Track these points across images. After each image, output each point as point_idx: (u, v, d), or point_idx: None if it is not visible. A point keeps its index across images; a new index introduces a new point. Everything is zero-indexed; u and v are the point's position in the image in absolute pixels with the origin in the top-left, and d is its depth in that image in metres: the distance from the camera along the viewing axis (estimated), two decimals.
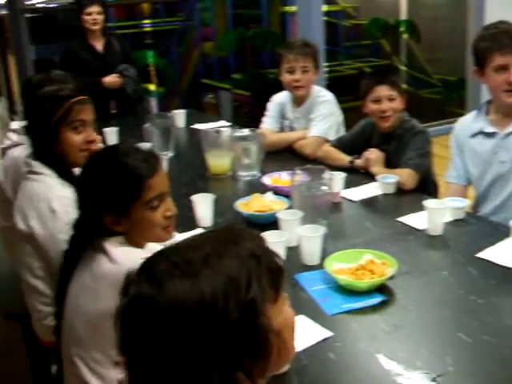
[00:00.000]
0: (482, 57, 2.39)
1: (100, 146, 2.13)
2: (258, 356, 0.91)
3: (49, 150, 2.00)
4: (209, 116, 5.70)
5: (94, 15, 4.40)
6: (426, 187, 2.82)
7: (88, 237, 1.63)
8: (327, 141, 3.20)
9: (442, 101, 7.69)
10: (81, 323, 1.57)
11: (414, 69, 8.24)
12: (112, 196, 1.58)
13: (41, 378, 2.57)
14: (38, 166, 2.01)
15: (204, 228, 2.39)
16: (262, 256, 0.97)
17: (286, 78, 3.28)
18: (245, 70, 8.14)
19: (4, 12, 8.29)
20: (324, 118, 3.27)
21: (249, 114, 7.63)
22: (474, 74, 2.49)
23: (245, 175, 2.98)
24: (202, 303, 0.88)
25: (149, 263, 0.96)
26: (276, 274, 0.97)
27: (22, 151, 2.44)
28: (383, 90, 2.84)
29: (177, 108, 4.31)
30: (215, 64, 8.43)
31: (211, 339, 0.88)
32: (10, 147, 2.55)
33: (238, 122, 7.59)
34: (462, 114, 6.46)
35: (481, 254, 2.06)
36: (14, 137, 2.55)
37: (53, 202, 1.88)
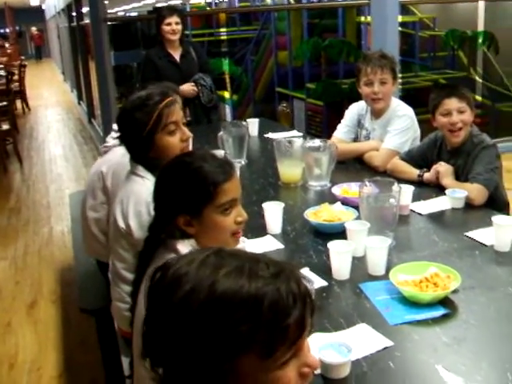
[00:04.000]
0: None
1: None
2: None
3: (146, 158, 2.12)
4: (281, 125, 5.77)
5: (173, 25, 4.57)
6: (495, 203, 2.82)
7: (161, 237, 1.73)
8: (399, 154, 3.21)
9: None
10: None
11: (491, 81, 8.10)
12: (186, 197, 1.68)
13: (112, 369, 2.71)
14: (141, 169, 2.13)
15: (273, 235, 2.47)
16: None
17: (365, 90, 3.32)
18: (319, 79, 8.18)
19: (87, 21, 8.66)
20: (401, 132, 3.29)
21: (322, 124, 7.68)
22: None
23: (315, 185, 3.04)
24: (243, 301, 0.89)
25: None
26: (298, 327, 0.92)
27: None
28: (453, 103, 2.85)
29: (250, 116, 4.42)
30: (290, 73, 8.50)
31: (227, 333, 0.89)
32: (115, 146, 2.73)
33: (310, 132, 7.69)
34: None
35: None
36: None
37: (152, 207, 1.99)
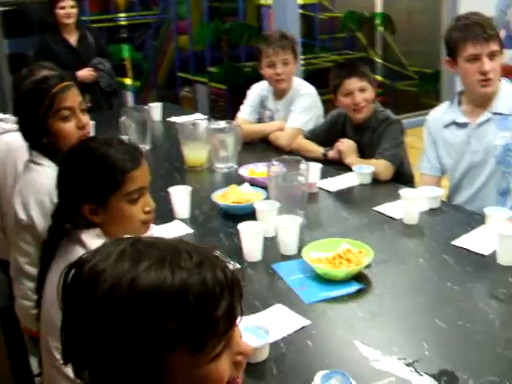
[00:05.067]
0: (454, 47, 2.41)
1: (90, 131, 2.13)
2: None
3: (42, 143, 1.99)
4: (184, 109, 5.69)
5: (67, 9, 4.40)
6: (401, 177, 2.85)
7: (65, 227, 1.63)
8: (304, 133, 3.21)
9: (417, 93, 7.73)
10: (57, 314, 1.55)
11: (389, 61, 8.27)
12: (92, 185, 1.58)
13: (19, 369, 2.57)
14: (38, 156, 2.00)
15: (181, 220, 2.39)
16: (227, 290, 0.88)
17: (267, 72, 3.28)
18: (221, 63, 8.11)
19: None
20: (304, 111, 3.27)
21: (225, 108, 7.61)
22: (446, 64, 2.51)
23: (222, 167, 2.98)
24: (163, 293, 0.82)
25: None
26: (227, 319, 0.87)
27: (15, 137, 2.45)
28: (353, 83, 2.84)
29: (153, 102, 4.29)
30: (191, 57, 8.38)
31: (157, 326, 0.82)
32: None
33: (214, 116, 7.60)
34: (436, 106, 6.53)
35: (456, 242, 2.09)
36: (4, 125, 2.58)
37: (54, 195, 1.87)
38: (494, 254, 1.97)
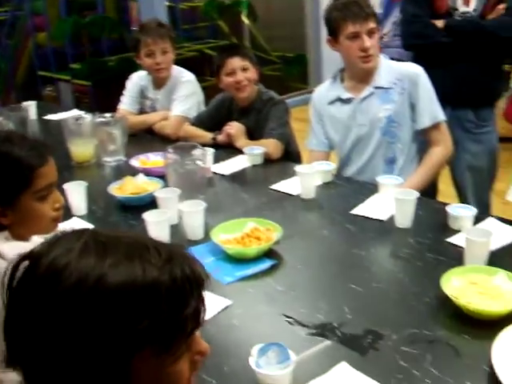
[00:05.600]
0: (335, 26, 2.50)
1: None
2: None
3: None
4: (60, 106, 5.50)
5: None
6: (289, 156, 2.93)
7: None
8: (188, 120, 3.21)
9: (282, 76, 7.92)
10: None
11: (254, 48, 8.41)
12: None
13: None
14: None
15: (79, 217, 2.32)
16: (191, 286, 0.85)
17: (146, 61, 3.25)
18: (83, 59, 7.88)
19: None
20: (186, 98, 3.27)
21: (91, 104, 7.42)
22: (328, 44, 2.60)
23: (110, 161, 2.92)
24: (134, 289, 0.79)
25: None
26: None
27: None
28: (236, 62, 2.90)
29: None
30: (51, 55, 8.08)
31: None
32: None
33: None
34: (303, 88, 6.73)
35: (354, 211, 2.19)
36: None
37: None
38: (391, 218, 2.09)
